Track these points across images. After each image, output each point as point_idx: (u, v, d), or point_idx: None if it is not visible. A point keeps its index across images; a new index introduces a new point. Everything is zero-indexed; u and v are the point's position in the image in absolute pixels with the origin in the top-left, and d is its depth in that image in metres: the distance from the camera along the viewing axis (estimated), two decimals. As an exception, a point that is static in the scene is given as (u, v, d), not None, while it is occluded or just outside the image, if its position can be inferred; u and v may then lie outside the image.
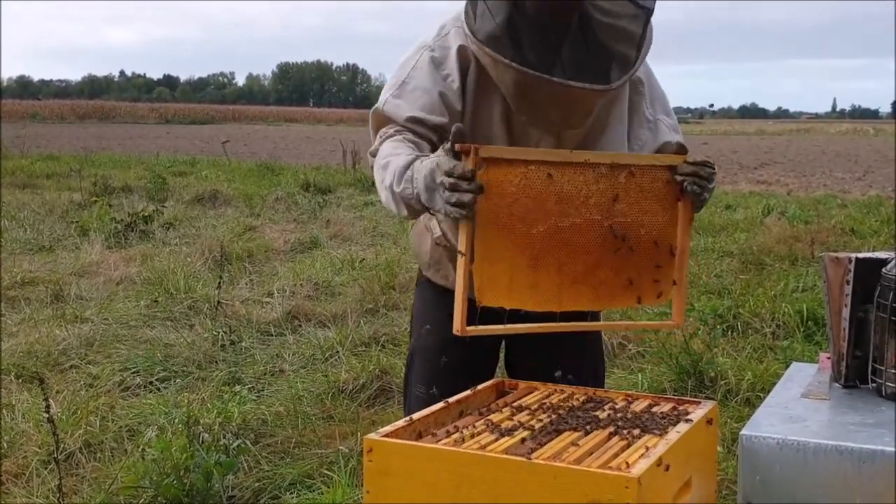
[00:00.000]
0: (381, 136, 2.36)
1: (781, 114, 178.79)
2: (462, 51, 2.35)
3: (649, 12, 2.27)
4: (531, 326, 2.30)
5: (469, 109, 2.37)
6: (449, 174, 2.05)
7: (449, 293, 2.25)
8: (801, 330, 6.04)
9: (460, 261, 2.13)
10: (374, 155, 2.36)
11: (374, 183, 2.37)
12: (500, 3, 2.27)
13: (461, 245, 2.13)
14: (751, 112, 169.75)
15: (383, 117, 2.37)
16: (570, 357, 2.53)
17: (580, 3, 2.29)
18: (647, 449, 1.83)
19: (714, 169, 2.33)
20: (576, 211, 2.23)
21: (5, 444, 4.13)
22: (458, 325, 2.14)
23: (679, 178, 2.30)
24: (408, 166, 2.18)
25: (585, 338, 2.61)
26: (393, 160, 2.23)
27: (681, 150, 2.37)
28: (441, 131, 2.32)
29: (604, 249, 2.27)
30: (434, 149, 2.30)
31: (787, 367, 2.55)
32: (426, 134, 2.33)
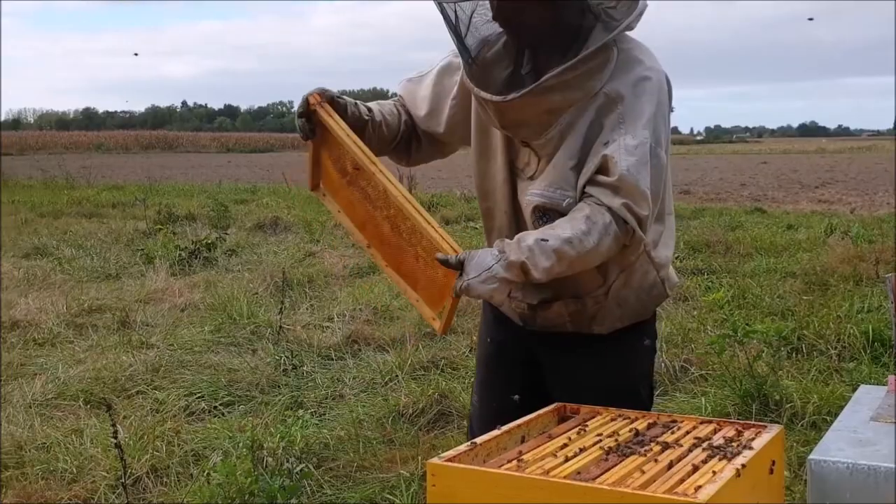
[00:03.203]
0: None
1: (842, 132, 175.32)
2: None
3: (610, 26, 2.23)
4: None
5: (473, 122, 2.49)
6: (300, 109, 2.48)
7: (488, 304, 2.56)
8: (868, 352, 5.90)
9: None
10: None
11: None
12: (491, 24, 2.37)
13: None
14: (810, 130, 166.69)
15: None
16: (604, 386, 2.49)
17: (534, 6, 2.25)
18: (714, 474, 1.81)
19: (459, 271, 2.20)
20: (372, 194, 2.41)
21: (74, 469, 4.22)
22: (309, 182, 2.56)
23: None
24: None
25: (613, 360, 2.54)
26: None
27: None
28: (413, 123, 2.63)
29: (391, 230, 2.39)
30: (410, 128, 2.63)
31: (855, 389, 2.51)
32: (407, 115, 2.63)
